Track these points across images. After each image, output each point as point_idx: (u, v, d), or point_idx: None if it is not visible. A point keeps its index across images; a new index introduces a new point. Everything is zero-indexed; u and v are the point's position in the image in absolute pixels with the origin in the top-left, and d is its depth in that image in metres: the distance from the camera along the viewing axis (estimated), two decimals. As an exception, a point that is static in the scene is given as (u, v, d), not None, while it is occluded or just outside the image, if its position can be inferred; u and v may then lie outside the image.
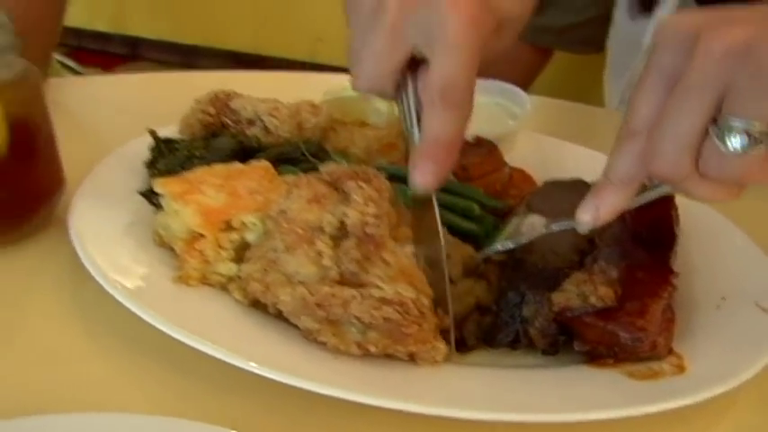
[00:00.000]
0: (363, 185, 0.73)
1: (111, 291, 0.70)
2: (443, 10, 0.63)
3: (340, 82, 0.99)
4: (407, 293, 0.67)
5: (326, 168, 0.75)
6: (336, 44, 3.82)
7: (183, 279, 0.73)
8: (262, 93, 0.97)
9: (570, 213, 0.67)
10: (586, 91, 2.15)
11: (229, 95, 0.92)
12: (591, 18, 1.94)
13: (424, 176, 0.67)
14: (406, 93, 0.68)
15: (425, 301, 0.68)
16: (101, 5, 4.47)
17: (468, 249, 0.77)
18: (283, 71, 1.32)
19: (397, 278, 0.69)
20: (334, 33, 4.05)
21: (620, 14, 1.42)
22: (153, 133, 0.90)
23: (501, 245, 0.74)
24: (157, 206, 0.79)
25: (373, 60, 0.67)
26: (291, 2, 4.22)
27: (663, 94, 0.60)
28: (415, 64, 0.67)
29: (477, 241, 0.80)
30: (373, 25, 0.66)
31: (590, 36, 1.85)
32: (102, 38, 4.60)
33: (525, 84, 2.40)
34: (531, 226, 0.74)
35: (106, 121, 1.11)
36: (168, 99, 1.04)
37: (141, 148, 0.91)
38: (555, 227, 0.71)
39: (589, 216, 0.65)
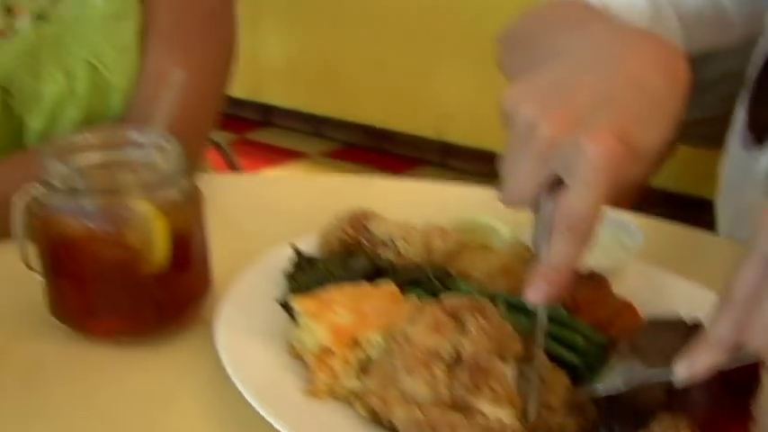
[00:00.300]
0: (479, 318, 0.81)
1: (246, 396, 0.80)
2: (584, 145, 0.70)
3: (469, 200, 1.08)
4: (508, 420, 0.76)
5: (448, 299, 0.84)
6: (462, 122, 3.92)
7: (313, 392, 0.82)
8: (397, 201, 1.05)
9: (669, 356, 0.73)
10: (706, 183, 2.17)
11: (367, 216, 1.01)
12: (716, 116, 1.97)
13: (535, 293, 0.74)
14: (544, 210, 0.76)
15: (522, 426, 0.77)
16: (239, 72, 4.69)
17: (568, 381, 0.85)
18: (414, 172, 1.40)
19: (501, 403, 0.77)
20: (461, 112, 4.18)
21: (734, 141, 1.46)
22: (295, 248, 1.00)
23: (602, 387, 0.80)
24: (293, 318, 0.89)
25: (519, 180, 0.75)
26: (420, 79, 4.33)
27: (762, 272, 0.67)
28: (559, 182, 0.74)
29: (578, 373, 0.87)
30: (524, 147, 0.74)
31: (714, 133, 1.88)
32: (238, 103, 4.79)
33: (648, 175, 2.44)
34: (631, 371, 0.80)
35: (252, 221, 1.22)
36: (313, 202, 1.18)
37: (284, 257, 1.01)
38: (653, 376, 0.78)
39: (684, 370, 0.72)
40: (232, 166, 3.23)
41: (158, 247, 0.85)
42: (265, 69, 4.81)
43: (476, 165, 4.21)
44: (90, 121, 1.18)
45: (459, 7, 4.08)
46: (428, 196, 1.34)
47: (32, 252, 0.91)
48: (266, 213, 1.23)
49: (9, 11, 1.13)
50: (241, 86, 4.77)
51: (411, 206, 1.09)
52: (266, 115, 4.91)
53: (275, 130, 4.84)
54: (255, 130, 4.80)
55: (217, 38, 1.26)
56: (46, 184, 0.85)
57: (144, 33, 1.19)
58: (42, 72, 1.15)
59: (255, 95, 4.87)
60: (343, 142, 4.62)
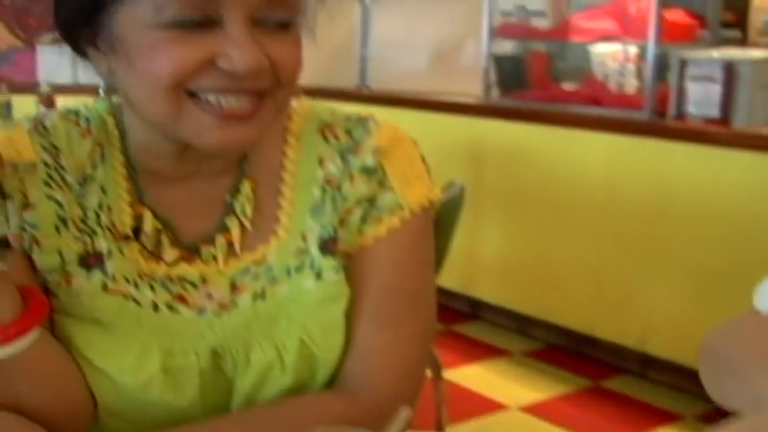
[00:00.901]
0: None
1: None
2: None
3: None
4: None
5: None
6: (666, 335, 3.90)
7: None
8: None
9: None
10: None
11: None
12: None
13: None
14: None
15: None
16: (453, 267, 4.92)
17: None
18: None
19: None
20: (666, 324, 4.20)
21: None
22: None
23: None
24: None
25: None
26: (627, 287, 4.38)
27: None
28: None
29: None
30: None
31: None
32: (450, 295, 5.01)
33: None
34: None
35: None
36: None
37: None
38: None
39: None
40: (435, 364, 3.43)
41: None
42: (478, 264, 5.01)
43: (675, 378, 4.20)
44: (297, 389, 1.31)
45: (673, 223, 4.15)
46: None
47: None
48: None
49: (234, 288, 1.31)
50: (453, 279, 5.01)
51: None
52: (475, 309, 5.10)
53: (482, 324, 5.01)
54: (463, 323, 4.99)
55: (417, 315, 1.38)
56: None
57: (351, 313, 1.33)
58: (254, 343, 1.30)
59: (466, 289, 5.06)
60: (546, 343, 4.72)
